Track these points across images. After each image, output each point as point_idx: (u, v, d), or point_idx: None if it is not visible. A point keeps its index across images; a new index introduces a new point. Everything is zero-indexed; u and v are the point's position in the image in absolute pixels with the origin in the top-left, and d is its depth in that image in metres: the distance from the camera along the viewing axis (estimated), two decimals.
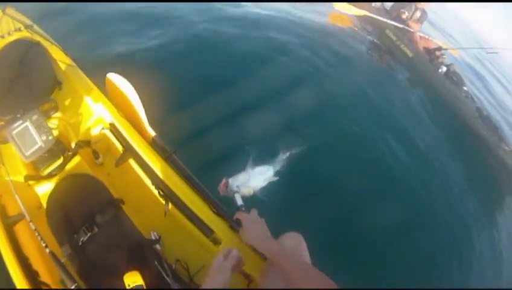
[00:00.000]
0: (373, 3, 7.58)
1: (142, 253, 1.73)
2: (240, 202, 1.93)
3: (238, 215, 1.74)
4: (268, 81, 4.33)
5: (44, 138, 1.81)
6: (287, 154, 2.79)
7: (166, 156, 2.15)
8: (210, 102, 3.65)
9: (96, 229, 1.69)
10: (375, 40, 7.43)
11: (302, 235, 1.81)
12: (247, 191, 2.08)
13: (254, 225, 1.62)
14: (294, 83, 4.56)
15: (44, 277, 1.70)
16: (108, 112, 2.24)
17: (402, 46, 7.04)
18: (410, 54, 6.93)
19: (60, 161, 1.96)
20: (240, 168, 2.21)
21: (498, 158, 5.74)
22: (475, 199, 4.67)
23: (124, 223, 1.81)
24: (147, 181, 2.14)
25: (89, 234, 1.67)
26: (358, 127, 4.56)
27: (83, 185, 1.88)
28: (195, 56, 4.42)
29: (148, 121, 2.25)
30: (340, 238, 3.15)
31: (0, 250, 1.64)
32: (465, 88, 6.58)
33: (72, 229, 1.69)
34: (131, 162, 2.20)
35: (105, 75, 2.18)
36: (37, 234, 1.58)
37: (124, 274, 1.56)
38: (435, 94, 6.44)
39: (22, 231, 1.84)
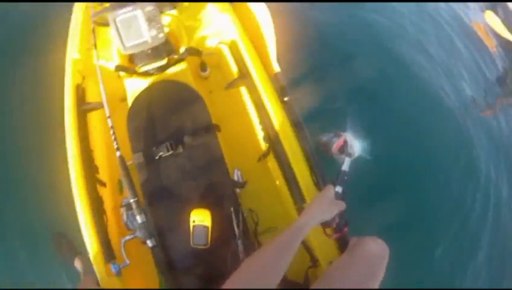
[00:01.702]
0: None
1: (220, 192, 1.55)
2: (347, 167, 1.61)
3: (328, 187, 1.44)
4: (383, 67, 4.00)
5: (153, 33, 1.62)
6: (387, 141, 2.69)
7: (285, 100, 1.87)
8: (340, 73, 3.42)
9: (180, 150, 1.53)
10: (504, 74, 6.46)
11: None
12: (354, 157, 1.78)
13: (320, 199, 1.36)
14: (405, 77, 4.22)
15: (103, 175, 1.59)
16: (233, 27, 2.02)
17: None
18: None
19: (162, 62, 1.78)
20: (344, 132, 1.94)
21: None
22: None
23: (214, 153, 1.61)
24: (254, 117, 1.93)
25: (171, 152, 1.51)
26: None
27: (180, 95, 1.70)
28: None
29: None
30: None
31: (66, 134, 1.53)
32: None
33: (153, 140, 1.55)
34: (242, 89, 1.99)
35: None
36: (111, 128, 1.45)
37: (192, 208, 1.42)
38: None
39: (95, 120, 1.74)
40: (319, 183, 1.70)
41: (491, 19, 6.33)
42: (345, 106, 3.06)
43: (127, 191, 1.35)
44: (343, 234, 1.52)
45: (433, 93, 4.39)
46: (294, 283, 1.60)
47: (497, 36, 6.40)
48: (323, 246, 1.57)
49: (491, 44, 6.43)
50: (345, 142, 1.73)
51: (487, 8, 6.36)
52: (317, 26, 3.69)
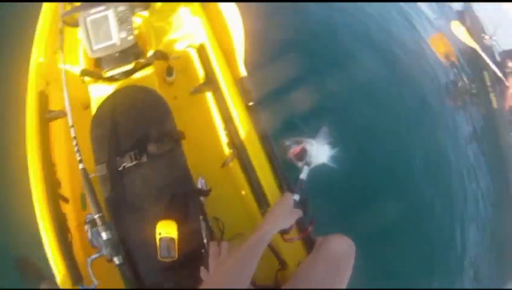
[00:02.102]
0: (484, 40, 6.94)
1: (185, 202, 1.54)
2: (305, 176, 1.66)
3: (287, 195, 1.50)
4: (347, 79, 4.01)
5: (123, 35, 1.61)
6: (356, 146, 2.85)
7: (249, 105, 1.90)
8: (307, 75, 3.45)
9: (145, 159, 1.51)
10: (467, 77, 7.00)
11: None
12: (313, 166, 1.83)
13: (280, 208, 1.41)
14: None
15: (66, 190, 1.56)
16: (201, 31, 2.02)
17: (492, 94, 6.56)
18: (495, 106, 6.51)
19: (129, 66, 1.76)
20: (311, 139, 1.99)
21: None
22: None
23: (178, 161, 1.60)
24: (218, 123, 1.95)
25: (135, 162, 1.48)
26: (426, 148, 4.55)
27: (145, 101, 1.68)
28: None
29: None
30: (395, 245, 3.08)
31: (27, 146, 1.49)
32: None
33: (117, 149, 1.52)
34: (208, 95, 2.00)
35: None
36: (74, 138, 1.43)
37: (158, 217, 1.41)
38: (500, 155, 6.22)
39: (57, 130, 1.73)
40: (283, 187, 1.75)
41: (457, 28, 6.72)
42: (315, 111, 3.09)
43: (90, 207, 1.33)
44: (306, 233, 1.58)
45: (398, 99, 4.74)
46: (264, 288, 1.63)
47: (462, 44, 6.88)
48: (290, 248, 1.61)
49: (450, 52, 7.03)
50: (304, 150, 1.78)
51: (454, 18, 6.81)
52: (286, 28, 3.71)
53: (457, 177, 4.89)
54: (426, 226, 3.59)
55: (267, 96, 2.68)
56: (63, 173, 1.60)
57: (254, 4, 3.00)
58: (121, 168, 1.47)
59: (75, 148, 1.40)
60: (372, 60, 4.78)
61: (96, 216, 1.30)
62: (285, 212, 1.39)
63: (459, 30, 6.75)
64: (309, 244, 1.60)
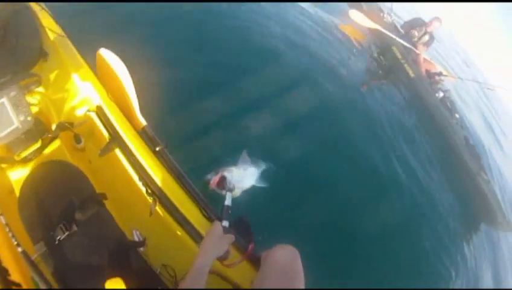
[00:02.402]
0: (385, 18, 7.80)
1: (125, 256, 1.62)
2: (229, 202, 1.80)
3: (215, 224, 1.59)
4: (262, 83, 4.31)
5: (22, 118, 1.66)
6: (279, 157, 2.88)
7: (156, 150, 2.02)
8: (206, 98, 3.55)
9: (75, 228, 1.55)
10: (379, 56, 7.77)
11: (294, 244, 1.68)
12: (237, 191, 1.97)
13: (209, 238, 1.50)
14: (289, 87, 4.61)
15: (15, 275, 1.55)
16: (96, 93, 2.10)
17: (406, 65, 7.32)
18: (412, 75, 7.25)
19: (37, 145, 1.82)
20: (233, 166, 2.11)
21: (476, 184, 6.36)
22: (453, 217, 5.33)
23: (106, 221, 1.67)
24: (133, 175, 2.01)
25: (66, 233, 1.52)
26: (352, 138, 4.80)
27: (62, 174, 1.72)
28: (196, 52, 4.31)
29: (140, 109, 2.10)
30: (330, 245, 3.15)
31: None
32: (456, 115, 7.14)
33: (48, 225, 1.54)
34: (117, 152, 2.06)
35: (96, 52, 2.01)
36: (6, 225, 1.46)
37: (105, 278, 1.44)
38: (430, 117, 6.92)
39: None
40: (211, 218, 1.86)
41: (355, 16, 7.41)
42: (231, 139, 3.22)
43: (40, 286, 1.35)
44: (249, 252, 1.69)
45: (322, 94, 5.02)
46: None
47: (365, 28, 7.60)
48: (239, 270, 1.70)
49: (361, 37, 7.71)
50: (223, 178, 1.92)
51: (350, 8, 7.53)
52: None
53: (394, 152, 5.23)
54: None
55: (173, 136, 2.74)
56: (6, 260, 1.58)
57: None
58: (56, 242, 1.50)
59: (10, 234, 1.42)
60: (292, 60, 5.17)
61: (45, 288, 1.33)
62: (213, 241, 1.47)
63: (358, 17, 7.42)
64: (256, 262, 1.71)
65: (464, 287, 4.33)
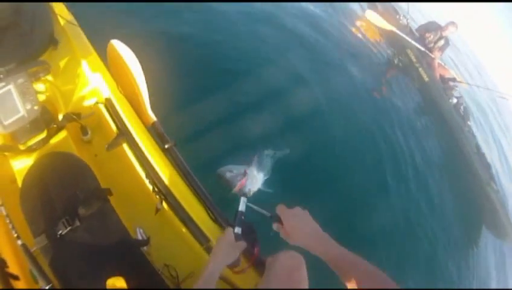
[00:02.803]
0: (400, 20, 7.75)
1: (128, 255, 1.58)
2: (243, 207, 1.72)
3: (280, 209, 1.47)
4: (270, 81, 4.29)
5: (28, 106, 1.63)
6: (288, 159, 2.80)
7: (165, 147, 1.97)
8: (219, 97, 3.52)
9: (77, 223, 1.51)
10: (393, 59, 7.74)
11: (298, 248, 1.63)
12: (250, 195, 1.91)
13: (304, 221, 1.42)
14: (299, 85, 4.60)
15: (13, 267, 1.52)
16: (105, 85, 2.06)
17: (420, 69, 7.26)
18: (426, 78, 7.19)
19: (43, 135, 1.77)
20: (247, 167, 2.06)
21: (486, 194, 6.28)
22: (459, 223, 5.51)
23: (110, 218, 1.63)
24: (140, 172, 1.98)
25: (69, 228, 1.49)
26: (363, 137, 4.80)
27: (67, 167, 1.69)
28: (212, 49, 4.28)
29: (150, 104, 2.04)
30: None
31: None
32: (469, 123, 7.13)
33: (50, 218, 1.51)
34: (125, 147, 2.03)
35: (108, 42, 1.95)
36: (6, 216, 1.43)
37: (106, 276, 1.39)
38: (443, 122, 6.88)
39: None
40: (218, 220, 1.82)
41: (371, 16, 7.42)
42: (240, 137, 3.18)
43: (38, 280, 1.32)
44: (255, 258, 1.64)
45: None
46: None
47: (380, 29, 7.59)
48: (244, 275, 1.66)
49: (375, 35, 7.72)
50: (245, 182, 1.85)
51: (368, 8, 7.55)
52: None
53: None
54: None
55: (186, 134, 2.72)
56: (5, 252, 1.54)
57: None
58: (58, 236, 1.47)
59: (10, 226, 1.39)
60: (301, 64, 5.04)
61: (47, 288, 1.29)
62: (225, 249, 1.44)
63: (374, 17, 7.43)
64: (260, 267, 1.67)
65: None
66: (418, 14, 10.83)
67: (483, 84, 12.12)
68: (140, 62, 1.89)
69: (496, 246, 6.15)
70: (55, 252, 1.46)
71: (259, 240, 1.71)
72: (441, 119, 6.88)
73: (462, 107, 7.17)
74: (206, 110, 3.26)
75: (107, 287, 1.37)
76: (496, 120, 12.32)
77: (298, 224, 1.39)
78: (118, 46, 1.91)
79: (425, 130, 6.57)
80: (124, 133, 1.93)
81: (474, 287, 4.64)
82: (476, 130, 8.24)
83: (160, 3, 4.36)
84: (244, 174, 1.87)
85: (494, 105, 12.79)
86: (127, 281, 1.38)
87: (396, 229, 3.97)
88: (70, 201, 1.56)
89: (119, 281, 1.38)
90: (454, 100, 7.07)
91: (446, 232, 4.90)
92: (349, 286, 1.16)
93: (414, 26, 8.20)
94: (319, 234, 1.36)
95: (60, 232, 1.47)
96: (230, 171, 2.07)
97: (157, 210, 1.88)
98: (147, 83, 1.94)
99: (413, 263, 3.97)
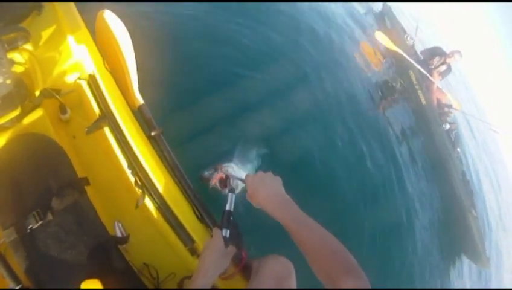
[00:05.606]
0: (407, 41, 8.10)
1: (105, 253, 1.49)
2: (231, 207, 1.61)
3: (247, 176, 1.44)
4: (267, 83, 4.37)
5: (0, 80, 1.46)
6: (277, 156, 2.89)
7: (152, 135, 1.83)
8: (208, 94, 3.44)
9: (50, 217, 1.40)
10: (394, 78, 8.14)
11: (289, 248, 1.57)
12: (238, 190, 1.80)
13: (269, 185, 1.36)
14: (292, 92, 4.67)
15: None
16: (91, 59, 1.93)
17: (419, 91, 7.60)
18: (423, 101, 7.53)
19: (16, 112, 1.63)
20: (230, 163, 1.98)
21: (466, 220, 6.84)
22: (439, 247, 6.13)
23: (86, 212, 1.52)
24: (122, 161, 1.86)
25: (40, 222, 1.38)
26: (354, 148, 5.02)
27: (41, 152, 1.57)
28: (212, 48, 4.30)
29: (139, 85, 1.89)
30: None
31: None
32: (458, 149, 7.67)
33: (20, 210, 1.40)
34: (106, 131, 1.90)
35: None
36: None
37: (80, 278, 1.35)
38: (433, 146, 7.31)
39: None
40: (204, 219, 1.72)
41: (380, 37, 7.67)
42: (229, 131, 3.15)
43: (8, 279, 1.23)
44: (243, 263, 1.58)
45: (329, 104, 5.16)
46: None
47: (387, 50, 7.90)
48: (228, 281, 1.60)
49: (376, 60, 8.15)
50: (227, 176, 1.75)
51: (378, 29, 7.93)
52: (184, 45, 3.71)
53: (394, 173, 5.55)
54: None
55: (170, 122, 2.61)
56: None
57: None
58: (28, 231, 1.36)
59: None
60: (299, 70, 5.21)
61: (17, 288, 1.21)
62: (215, 258, 1.37)
63: (382, 38, 7.69)
64: (246, 271, 1.60)
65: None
66: (424, 36, 11.21)
67: (476, 114, 12.78)
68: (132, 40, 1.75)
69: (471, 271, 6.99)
70: (25, 249, 1.35)
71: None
72: (431, 143, 7.34)
73: (454, 133, 7.61)
74: (195, 108, 3.18)
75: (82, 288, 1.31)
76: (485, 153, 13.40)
77: (262, 187, 1.35)
78: (108, 17, 1.74)
79: (418, 153, 7.09)
80: (106, 116, 1.81)
81: None
82: (463, 157, 8.78)
83: None
84: (218, 169, 1.79)
85: (482, 138, 13.72)
86: (103, 281, 1.33)
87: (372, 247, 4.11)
88: (43, 192, 1.45)
89: (94, 284, 1.32)
90: (448, 126, 7.41)
91: (424, 254, 5.29)
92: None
93: (420, 48, 8.50)
94: (281, 197, 1.32)
95: (31, 226, 1.36)
96: (208, 170, 2.00)
97: (138, 205, 1.77)
98: (137, 62, 1.79)
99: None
